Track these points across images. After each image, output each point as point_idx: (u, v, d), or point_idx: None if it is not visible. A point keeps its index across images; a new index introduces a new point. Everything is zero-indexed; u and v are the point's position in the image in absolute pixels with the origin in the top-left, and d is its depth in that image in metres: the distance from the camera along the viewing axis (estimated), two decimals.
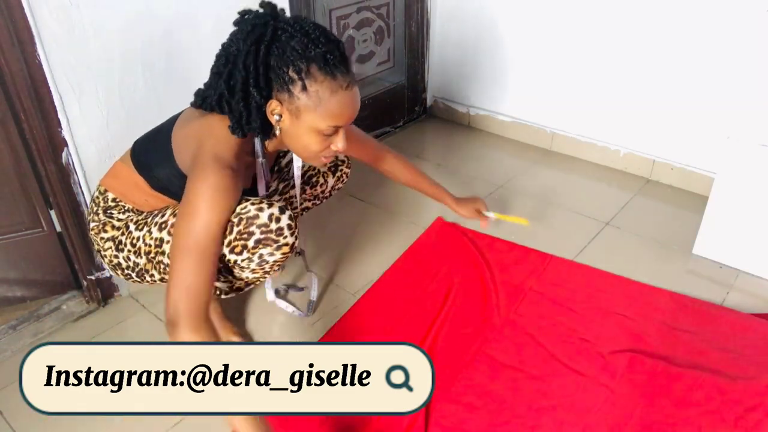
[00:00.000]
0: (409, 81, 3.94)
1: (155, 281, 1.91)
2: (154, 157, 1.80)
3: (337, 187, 2.31)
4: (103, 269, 2.39)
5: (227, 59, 1.62)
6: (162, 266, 1.83)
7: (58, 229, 2.30)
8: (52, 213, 2.26)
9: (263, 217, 1.69)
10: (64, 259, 2.39)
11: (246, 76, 1.59)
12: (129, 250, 1.87)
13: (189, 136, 1.70)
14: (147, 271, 1.88)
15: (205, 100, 1.71)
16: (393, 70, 3.83)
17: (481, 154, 3.65)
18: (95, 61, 2.12)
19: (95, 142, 2.21)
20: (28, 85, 1.98)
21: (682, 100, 3.06)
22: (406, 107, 4.00)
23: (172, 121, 1.81)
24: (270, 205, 1.71)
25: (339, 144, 1.71)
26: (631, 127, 3.30)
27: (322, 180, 2.25)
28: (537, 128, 3.68)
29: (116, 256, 1.90)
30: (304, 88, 1.57)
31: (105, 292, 2.44)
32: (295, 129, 1.66)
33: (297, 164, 2.08)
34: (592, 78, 3.33)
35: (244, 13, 1.65)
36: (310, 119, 1.62)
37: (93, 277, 2.38)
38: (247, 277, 1.84)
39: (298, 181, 2.12)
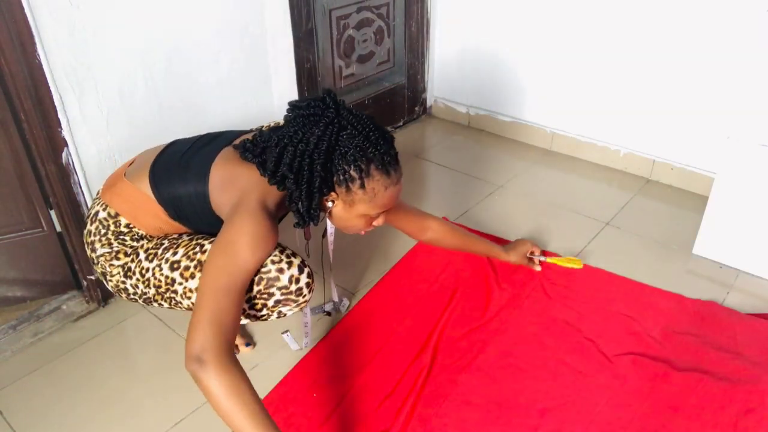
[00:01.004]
0: (409, 81, 3.93)
1: (163, 307, 1.92)
2: (181, 189, 1.79)
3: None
4: None
5: (295, 152, 1.65)
6: (173, 301, 1.85)
7: (58, 229, 2.31)
8: (52, 213, 2.26)
9: (284, 280, 1.77)
10: (64, 259, 2.40)
11: (311, 176, 1.65)
12: (138, 279, 1.87)
13: (233, 182, 1.73)
14: (155, 300, 1.89)
15: (258, 162, 1.72)
16: (393, 70, 3.83)
17: (481, 154, 3.65)
18: (95, 61, 2.12)
19: (95, 143, 2.21)
20: (28, 86, 1.98)
21: (682, 101, 3.05)
22: (406, 107, 4.00)
23: (205, 157, 1.80)
24: (290, 265, 1.78)
25: (380, 221, 1.85)
26: (631, 127, 3.30)
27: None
28: (537, 128, 3.68)
29: (123, 282, 1.90)
30: (363, 186, 1.67)
31: (105, 292, 2.44)
32: (345, 214, 1.77)
33: (330, 230, 2.29)
34: (592, 78, 3.32)
35: (308, 102, 1.70)
36: (362, 209, 1.73)
37: (93, 277, 2.38)
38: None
39: (331, 246, 2.33)
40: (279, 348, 2.27)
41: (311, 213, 1.71)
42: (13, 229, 2.27)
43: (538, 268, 2.55)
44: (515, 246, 2.53)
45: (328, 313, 2.40)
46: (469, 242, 2.46)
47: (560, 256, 2.62)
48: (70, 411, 2.03)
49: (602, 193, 3.23)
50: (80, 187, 2.22)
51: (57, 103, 2.06)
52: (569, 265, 2.53)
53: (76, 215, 2.25)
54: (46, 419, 2.01)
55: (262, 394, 2.01)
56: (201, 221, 1.82)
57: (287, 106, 1.73)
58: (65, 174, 2.17)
